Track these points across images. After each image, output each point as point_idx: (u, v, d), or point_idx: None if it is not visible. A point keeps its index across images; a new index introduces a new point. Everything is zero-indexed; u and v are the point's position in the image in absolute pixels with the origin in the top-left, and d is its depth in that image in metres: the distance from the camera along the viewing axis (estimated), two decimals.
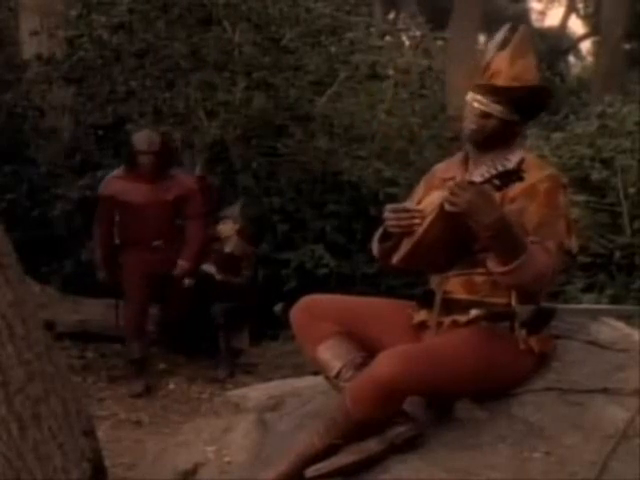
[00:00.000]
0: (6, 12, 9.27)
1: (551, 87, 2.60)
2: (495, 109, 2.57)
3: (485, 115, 2.59)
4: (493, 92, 2.58)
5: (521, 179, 2.30)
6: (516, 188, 2.47)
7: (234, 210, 6.80)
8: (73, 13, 8.05)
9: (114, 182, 5.74)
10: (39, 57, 7.98)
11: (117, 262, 5.80)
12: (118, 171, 5.82)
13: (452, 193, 2.34)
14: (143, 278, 5.66)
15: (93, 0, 7.97)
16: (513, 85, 2.57)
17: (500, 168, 2.28)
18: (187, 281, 5.87)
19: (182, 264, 5.77)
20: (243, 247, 6.65)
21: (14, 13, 8.97)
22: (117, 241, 5.76)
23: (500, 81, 2.58)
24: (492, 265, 2.42)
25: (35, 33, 8.15)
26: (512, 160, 2.29)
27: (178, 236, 5.78)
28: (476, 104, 2.61)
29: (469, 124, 2.63)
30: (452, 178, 2.61)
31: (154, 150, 5.61)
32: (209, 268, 6.44)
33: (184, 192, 5.75)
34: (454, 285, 2.61)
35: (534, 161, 2.64)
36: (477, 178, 2.32)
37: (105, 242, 5.82)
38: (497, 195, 2.47)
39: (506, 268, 2.38)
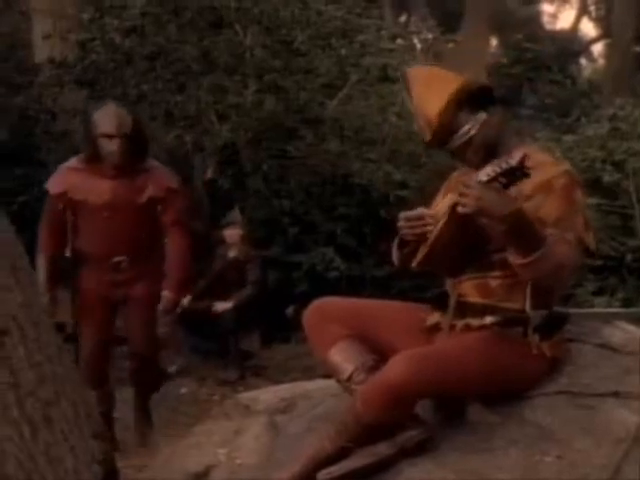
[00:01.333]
0: (18, 16, 9.31)
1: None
2: (461, 139, 2.57)
3: (465, 147, 2.59)
4: (442, 135, 2.59)
5: (527, 175, 2.29)
6: (532, 184, 2.47)
7: (237, 215, 6.85)
8: (85, 16, 8.07)
9: (68, 175, 4.22)
10: (51, 60, 8.01)
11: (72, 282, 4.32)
12: (74, 160, 4.28)
13: (461, 194, 2.34)
14: (98, 306, 4.23)
15: (105, 4, 7.99)
16: (439, 118, 2.55)
17: (504, 166, 2.28)
18: (162, 330, 4.51)
19: (167, 296, 4.24)
20: (247, 251, 6.70)
21: (26, 17, 9.01)
22: (68, 253, 4.25)
23: (433, 124, 2.57)
24: (512, 258, 2.40)
25: (47, 36, 8.18)
26: (515, 157, 2.28)
27: (149, 252, 4.26)
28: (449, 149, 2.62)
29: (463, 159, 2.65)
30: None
31: (124, 133, 4.06)
32: (224, 306, 6.48)
33: (161, 193, 4.20)
34: (468, 288, 2.61)
35: (548, 158, 2.64)
36: (483, 177, 2.33)
37: (52, 255, 4.21)
38: (513, 192, 2.47)
39: (526, 260, 2.36)
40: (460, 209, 2.34)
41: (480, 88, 2.63)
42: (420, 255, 2.52)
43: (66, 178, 4.22)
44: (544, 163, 2.54)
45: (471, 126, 2.57)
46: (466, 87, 2.58)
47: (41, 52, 8.37)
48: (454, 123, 2.57)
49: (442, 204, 2.57)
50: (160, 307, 4.25)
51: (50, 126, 8.19)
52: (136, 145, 4.12)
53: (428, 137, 2.63)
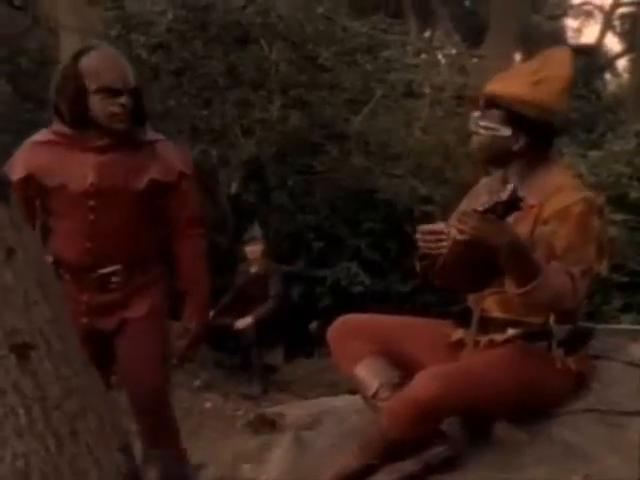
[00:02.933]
0: (47, 33, 9.41)
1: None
2: (481, 124, 2.59)
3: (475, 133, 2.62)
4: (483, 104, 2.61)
5: (519, 208, 2.31)
6: (550, 209, 2.48)
7: (257, 230, 6.88)
8: (112, 33, 8.15)
9: (34, 151, 2.93)
10: None
11: None
12: (44, 132, 2.98)
13: (459, 221, 2.36)
14: (82, 339, 2.53)
15: (132, 20, 8.08)
16: (496, 93, 2.57)
17: (495, 199, 2.31)
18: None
19: (194, 328, 2.98)
20: (268, 266, 6.74)
21: (54, 33, 9.10)
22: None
23: (488, 88, 2.61)
24: (509, 287, 2.42)
25: None
26: (506, 191, 2.29)
27: (148, 258, 3.00)
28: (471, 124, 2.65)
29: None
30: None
31: (130, 89, 2.88)
32: (244, 322, 6.49)
33: (170, 177, 2.94)
34: (490, 303, 2.61)
35: (570, 182, 2.61)
36: (479, 208, 2.34)
37: None
38: (531, 217, 2.49)
39: (522, 290, 2.37)
40: (458, 237, 2.37)
41: (532, 117, 2.59)
42: (435, 270, 2.54)
43: (32, 156, 2.92)
44: (564, 188, 2.54)
45: (489, 127, 2.59)
46: (517, 104, 2.57)
47: None
48: (490, 112, 2.60)
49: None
50: (182, 345, 2.98)
51: None
52: (137, 106, 2.90)
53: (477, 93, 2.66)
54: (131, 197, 2.89)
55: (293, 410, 3.18)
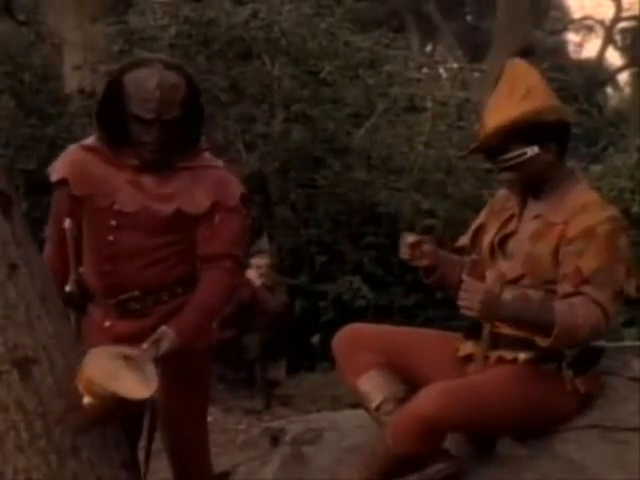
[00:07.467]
0: (50, 48, 9.46)
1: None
2: (504, 163, 2.53)
3: (508, 171, 2.56)
4: (492, 149, 2.56)
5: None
6: (575, 228, 2.42)
7: (265, 243, 6.89)
8: (115, 48, 8.18)
9: (78, 154, 2.81)
10: (81, 91, 8.11)
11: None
12: (92, 138, 2.82)
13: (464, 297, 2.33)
14: None
15: (135, 36, 8.10)
16: (500, 124, 2.49)
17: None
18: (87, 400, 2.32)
19: (171, 337, 2.59)
20: (273, 277, 6.75)
21: (58, 49, 9.15)
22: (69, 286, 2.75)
23: (487, 129, 2.52)
24: (539, 340, 2.39)
25: (78, 67, 8.29)
26: None
27: (182, 286, 2.76)
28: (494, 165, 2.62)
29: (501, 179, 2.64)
30: (510, 208, 2.62)
31: (163, 120, 2.65)
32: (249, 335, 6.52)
33: (196, 209, 2.72)
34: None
35: (595, 200, 2.54)
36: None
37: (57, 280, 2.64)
38: (554, 236, 2.45)
39: (548, 341, 2.33)
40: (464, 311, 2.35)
41: (550, 122, 2.52)
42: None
43: (73, 159, 2.82)
44: (590, 206, 2.47)
45: (516, 155, 2.51)
46: (529, 119, 2.48)
47: (71, 83, 8.49)
48: (506, 145, 2.51)
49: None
50: (154, 348, 2.56)
51: None
52: (178, 133, 2.72)
53: (477, 143, 2.59)
54: (156, 223, 2.69)
55: (294, 425, 3.17)
